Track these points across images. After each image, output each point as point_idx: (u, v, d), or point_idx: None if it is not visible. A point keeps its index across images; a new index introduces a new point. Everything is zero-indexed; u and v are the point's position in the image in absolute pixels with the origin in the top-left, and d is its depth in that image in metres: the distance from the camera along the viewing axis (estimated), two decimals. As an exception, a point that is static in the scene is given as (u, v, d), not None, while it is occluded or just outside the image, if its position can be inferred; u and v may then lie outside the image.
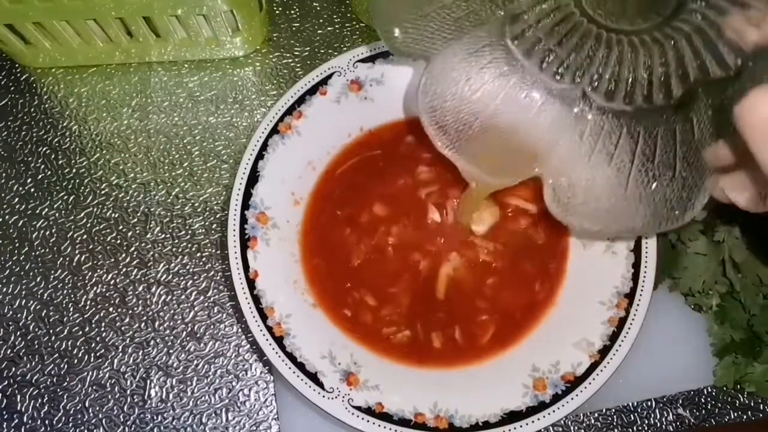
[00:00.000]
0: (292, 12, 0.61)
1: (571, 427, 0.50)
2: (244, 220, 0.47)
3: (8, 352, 0.52)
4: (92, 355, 0.52)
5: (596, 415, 0.50)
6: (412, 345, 0.47)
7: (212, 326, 0.52)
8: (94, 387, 0.51)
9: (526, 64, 0.35)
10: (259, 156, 0.49)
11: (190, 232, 0.55)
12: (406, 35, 0.40)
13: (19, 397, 0.51)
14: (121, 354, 0.52)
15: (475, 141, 0.40)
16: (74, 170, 0.56)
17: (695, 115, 0.35)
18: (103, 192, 0.56)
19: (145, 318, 0.52)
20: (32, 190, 0.56)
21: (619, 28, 0.34)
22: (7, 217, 0.55)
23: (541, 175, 0.38)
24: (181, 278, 0.53)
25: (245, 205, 0.48)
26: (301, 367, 0.45)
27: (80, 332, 0.52)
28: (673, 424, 0.50)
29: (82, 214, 0.55)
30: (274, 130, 0.49)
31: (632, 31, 0.34)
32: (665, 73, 0.33)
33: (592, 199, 0.38)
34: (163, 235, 0.54)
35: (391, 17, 0.40)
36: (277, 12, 0.61)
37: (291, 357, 0.45)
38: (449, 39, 0.39)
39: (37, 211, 0.55)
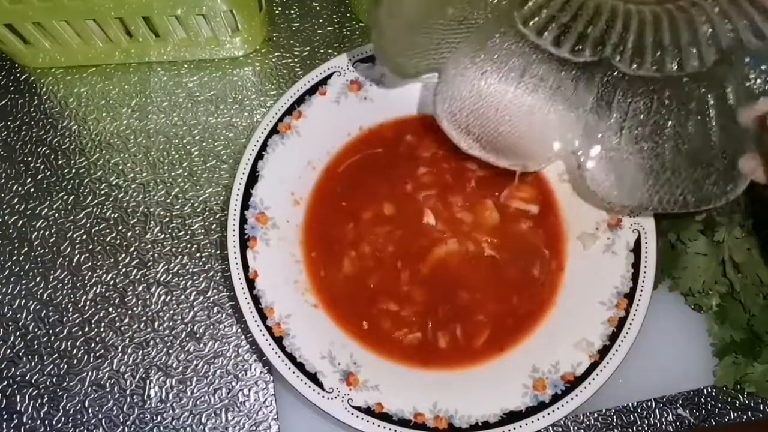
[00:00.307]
0: (292, 12, 0.61)
1: (571, 427, 0.50)
2: (243, 220, 0.47)
3: (8, 352, 0.52)
4: (92, 355, 0.52)
5: (596, 415, 0.50)
6: (421, 346, 0.47)
7: (212, 326, 0.52)
8: (93, 387, 0.51)
9: (541, 43, 0.35)
10: (259, 156, 0.49)
11: (189, 232, 0.55)
12: (413, 57, 0.40)
13: (18, 397, 0.51)
14: (120, 354, 0.52)
15: (499, 134, 0.39)
16: (74, 170, 0.56)
17: (731, 83, 0.34)
18: (102, 192, 0.56)
19: (144, 318, 0.52)
20: (32, 190, 0.56)
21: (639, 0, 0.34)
22: (6, 217, 0.55)
23: (574, 155, 0.38)
24: (181, 278, 0.53)
25: (245, 205, 0.48)
26: (300, 367, 0.45)
27: (80, 332, 0.52)
28: (673, 424, 0.50)
29: (82, 214, 0.55)
30: (274, 130, 0.49)
31: (653, 1, 0.34)
32: (695, 39, 0.33)
33: (631, 174, 0.38)
34: (163, 236, 0.54)
35: (398, 46, 0.39)
36: (277, 12, 0.61)
37: (290, 357, 0.45)
38: (456, 43, 0.39)
39: (37, 211, 0.55)
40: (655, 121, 0.36)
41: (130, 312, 0.53)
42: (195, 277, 0.53)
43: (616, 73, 0.35)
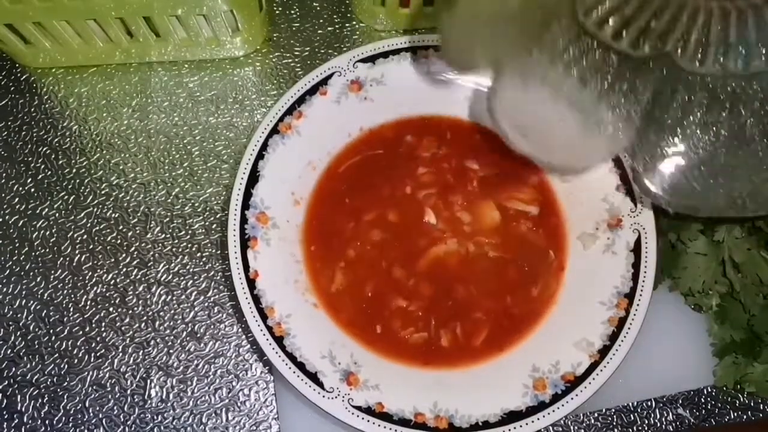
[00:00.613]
0: (292, 12, 0.61)
1: (571, 427, 0.50)
2: (244, 220, 0.47)
3: (8, 352, 0.52)
4: (92, 355, 0.52)
5: (596, 415, 0.50)
6: (425, 345, 0.48)
7: (212, 326, 0.52)
8: (94, 387, 0.51)
9: (600, 36, 0.34)
10: (259, 156, 0.49)
11: (190, 232, 0.55)
12: (476, 49, 0.39)
13: (19, 397, 0.51)
14: (121, 354, 0.52)
15: (553, 132, 0.39)
16: (74, 170, 0.56)
17: None
18: (103, 192, 0.56)
19: (145, 318, 0.52)
20: (32, 190, 0.56)
21: None
22: (7, 217, 0.55)
23: (627, 155, 0.38)
24: (181, 278, 0.53)
25: (245, 205, 0.48)
26: (301, 366, 0.45)
27: (80, 332, 0.52)
28: (673, 424, 0.50)
29: (82, 214, 0.55)
30: (274, 130, 0.49)
31: None
32: (764, 37, 0.32)
33: (687, 176, 0.37)
34: (163, 235, 0.54)
35: (464, 36, 0.38)
36: (277, 12, 0.61)
37: (291, 357, 0.45)
38: (514, 38, 0.38)
39: (37, 211, 0.55)
40: (711, 121, 0.35)
41: (130, 312, 0.53)
42: (195, 277, 0.54)
43: (673, 70, 0.34)
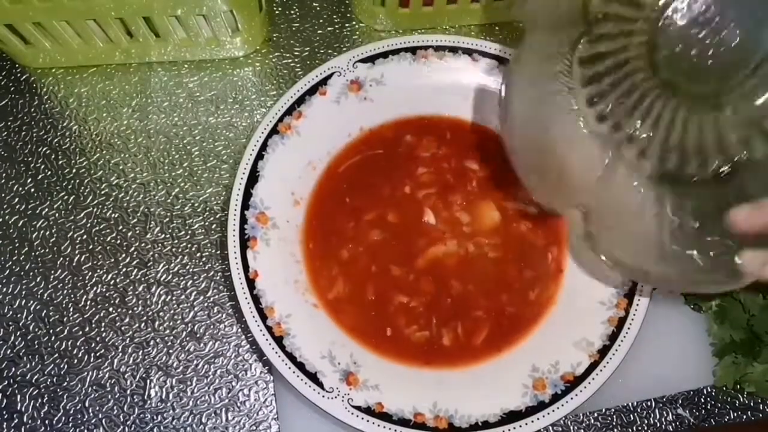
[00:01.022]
0: (292, 12, 0.61)
1: (571, 427, 0.50)
2: (243, 220, 0.47)
3: (8, 352, 0.52)
4: (92, 355, 0.52)
5: (596, 415, 0.50)
6: (427, 344, 0.48)
7: (212, 326, 0.52)
8: (94, 387, 0.51)
9: (587, 118, 0.37)
10: (259, 156, 0.49)
11: (190, 232, 0.55)
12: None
13: (19, 397, 0.51)
14: (121, 354, 0.52)
15: (537, 161, 0.40)
16: (74, 170, 0.56)
17: (746, 185, 0.35)
18: (103, 192, 0.56)
19: (145, 318, 0.52)
20: (32, 190, 0.56)
21: (689, 90, 0.35)
22: (7, 217, 0.55)
23: (580, 209, 0.39)
24: (181, 278, 0.54)
25: (245, 205, 0.48)
26: (300, 367, 0.45)
27: (80, 332, 0.52)
28: (673, 424, 0.50)
29: (82, 214, 0.55)
30: (274, 130, 0.49)
31: (697, 94, 0.35)
32: (720, 145, 0.34)
33: (636, 246, 0.38)
34: (163, 235, 0.54)
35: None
36: (277, 12, 0.61)
37: (291, 357, 0.45)
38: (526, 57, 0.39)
39: (37, 211, 0.55)
40: (663, 207, 0.37)
41: (130, 312, 0.53)
42: (195, 277, 0.54)
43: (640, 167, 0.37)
